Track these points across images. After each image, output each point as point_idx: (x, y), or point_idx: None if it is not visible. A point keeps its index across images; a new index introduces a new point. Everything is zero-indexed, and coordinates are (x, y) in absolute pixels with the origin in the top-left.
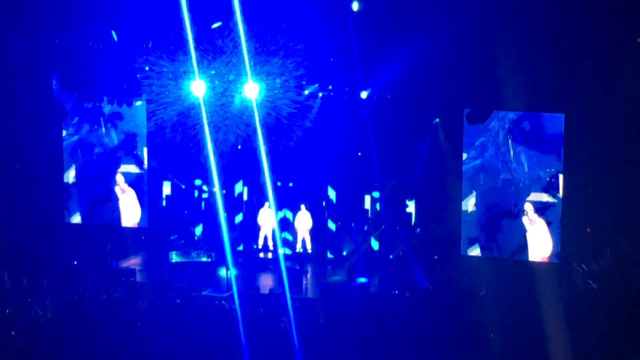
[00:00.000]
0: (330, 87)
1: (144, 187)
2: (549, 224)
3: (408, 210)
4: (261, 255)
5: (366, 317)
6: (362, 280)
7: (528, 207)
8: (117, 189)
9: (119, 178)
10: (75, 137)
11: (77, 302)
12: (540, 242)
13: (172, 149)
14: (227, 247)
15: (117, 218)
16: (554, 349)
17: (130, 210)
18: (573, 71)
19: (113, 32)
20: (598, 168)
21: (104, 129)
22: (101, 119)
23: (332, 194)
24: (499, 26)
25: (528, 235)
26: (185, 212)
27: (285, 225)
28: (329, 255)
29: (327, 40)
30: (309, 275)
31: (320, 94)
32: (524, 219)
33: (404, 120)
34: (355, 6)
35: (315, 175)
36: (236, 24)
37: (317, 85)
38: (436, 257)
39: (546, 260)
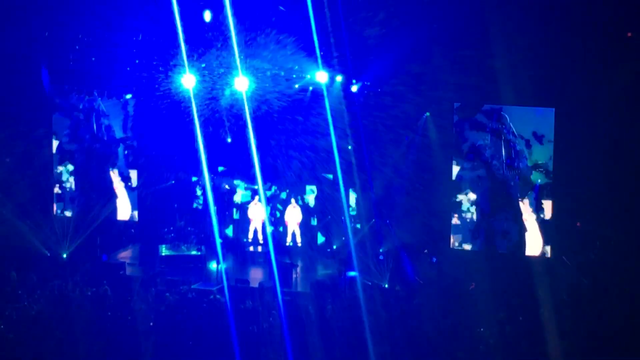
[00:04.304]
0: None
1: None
2: (540, 219)
3: (398, 203)
4: (251, 248)
5: (356, 310)
6: (352, 274)
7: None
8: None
9: (113, 174)
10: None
11: (66, 295)
12: (531, 239)
13: (162, 142)
14: (217, 240)
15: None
16: (545, 342)
17: (121, 205)
18: (564, 65)
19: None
20: (588, 162)
21: (95, 125)
22: (93, 115)
23: (323, 187)
24: (490, 21)
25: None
26: (175, 205)
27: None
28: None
29: (318, 33)
30: (298, 269)
31: (310, 88)
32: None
33: (395, 113)
34: None
35: (305, 169)
36: (226, 17)
37: (308, 78)
38: (426, 250)
39: (537, 255)
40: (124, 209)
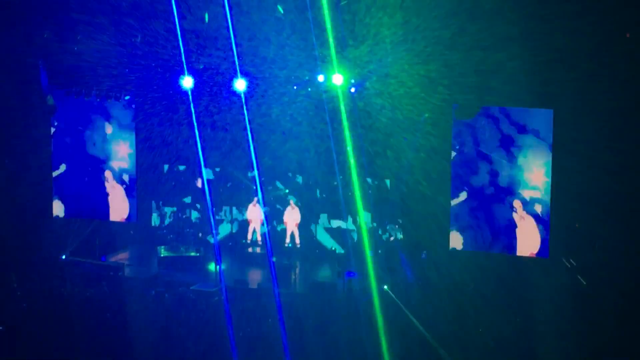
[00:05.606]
0: (319, 81)
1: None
2: (537, 219)
3: (397, 204)
4: (250, 249)
5: (354, 311)
6: (352, 274)
7: (517, 204)
8: (107, 185)
9: (108, 174)
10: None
11: (65, 296)
12: (529, 238)
13: (160, 143)
14: (216, 241)
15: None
16: (543, 343)
17: (119, 205)
18: (563, 66)
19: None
20: (587, 163)
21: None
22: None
23: (320, 188)
24: (487, 20)
25: (517, 231)
26: (175, 208)
27: None
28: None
29: (317, 34)
30: (297, 270)
31: (309, 89)
32: (514, 215)
33: (393, 114)
34: None
35: (303, 170)
36: (225, 17)
37: (306, 78)
38: (425, 251)
39: (534, 255)
40: (123, 210)
